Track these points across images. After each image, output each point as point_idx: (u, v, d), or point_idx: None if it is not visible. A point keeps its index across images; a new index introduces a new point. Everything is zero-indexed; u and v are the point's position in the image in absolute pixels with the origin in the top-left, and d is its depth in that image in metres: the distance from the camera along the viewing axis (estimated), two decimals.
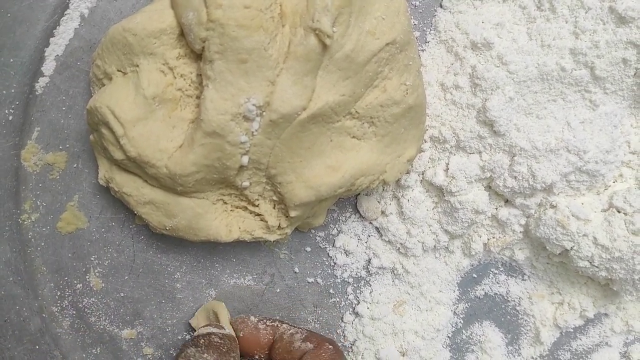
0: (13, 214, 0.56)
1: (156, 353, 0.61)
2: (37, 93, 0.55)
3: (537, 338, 0.68)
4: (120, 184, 0.52)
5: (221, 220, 0.54)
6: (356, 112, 0.52)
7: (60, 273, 0.57)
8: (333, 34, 0.48)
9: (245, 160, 0.50)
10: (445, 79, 0.59)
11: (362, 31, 0.50)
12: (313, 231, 0.62)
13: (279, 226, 0.55)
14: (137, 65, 0.49)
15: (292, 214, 0.53)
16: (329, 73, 0.50)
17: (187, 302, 0.60)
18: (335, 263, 0.63)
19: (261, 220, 0.56)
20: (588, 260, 0.59)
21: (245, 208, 0.55)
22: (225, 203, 0.54)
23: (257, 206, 0.55)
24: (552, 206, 0.59)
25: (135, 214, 0.56)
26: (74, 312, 0.58)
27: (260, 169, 0.51)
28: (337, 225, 0.63)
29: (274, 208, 0.55)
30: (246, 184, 0.52)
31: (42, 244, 0.57)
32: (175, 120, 0.50)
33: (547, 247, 0.61)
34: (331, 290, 0.64)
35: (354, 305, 0.65)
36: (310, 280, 0.63)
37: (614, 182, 0.61)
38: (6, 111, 0.55)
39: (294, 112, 0.49)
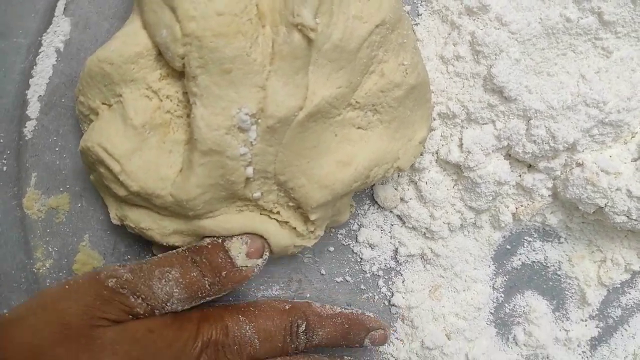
0: (26, 264, 0.55)
1: None
2: (26, 138, 0.54)
3: (583, 300, 0.65)
4: (136, 221, 0.50)
5: (262, 221, 0.52)
6: (356, 102, 0.50)
7: None
8: (317, 25, 0.45)
9: (249, 171, 0.47)
10: (445, 51, 0.56)
11: (348, 17, 0.47)
12: (333, 230, 0.60)
13: (309, 230, 0.53)
14: (120, 95, 0.47)
15: (312, 217, 0.51)
16: (320, 67, 0.47)
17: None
18: (361, 258, 0.61)
19: (291, 227, 0.53)
20: (625, 215, 0.56)
21: (269, 216, 0.53)
22: (251, 212, 0.52)
23: (277, 213, 0.52)
24: (579, 164, 0.56)
25: (153, 244, 0.55)
26: None
27: (269, 178, 0.49)
28: (357, 220, 0.60)
29: (295, 212, 0.52)
30: (257, 194, 0.49)
31: None
32: (170, 145, 0.48)
33: (580, 207, 0.58)
34: (362, 286, 0.62)
35: (388, 298, 0.62)
36: (339, 279, 0.61)
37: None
38: None
39: (290, 114, 0.46)
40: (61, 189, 0.55)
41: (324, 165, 0.50)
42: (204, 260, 0.49)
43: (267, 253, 0.52)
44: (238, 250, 0.50)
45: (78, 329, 0.44)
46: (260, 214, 0.51)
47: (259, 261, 0.51)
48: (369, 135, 0.51)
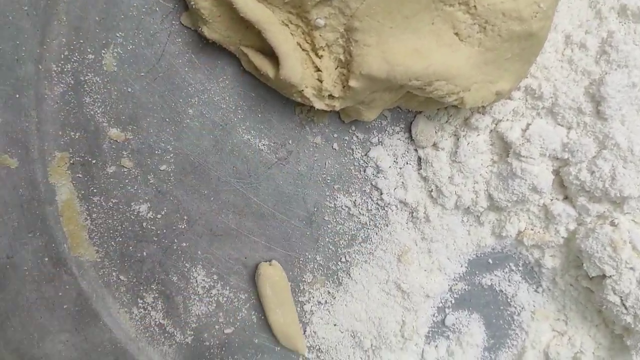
0: None
1: (134, 170, 0.53)
2: None
3: (519, 357, 0.60)
4: None
5: (289, 42, 0.46)
6: (474, 6, 0.44)
7: (78, 32, 0.49)
8: None
9: None
10: (574, 33, 0.50)
11: None
12: (353, 128, 0.54)
13: (331, 94, 0.48)
14: None
15: (352, 83, 0.45)
16: None
17: (190, 133, 0.53)
18: (363, 172, 0.56)
19: (317, 79, 0.48)
20: (621, 297, 0.52)
21: (307, 55, 0.47)
22: (292, 34, 0.46)
23: (319, 57, 0.47)
24: (613, 224, 0.52)
25: (186, 10, 0.49)
26: (72, 82, 0.51)
27: (345, 14, 0.43)
28: (380, 134, 0.55)
29: (335, 69, 0.47)
30: (321, 22, 0.44)
31: None
32: None
33: (584, 265, 0.53)
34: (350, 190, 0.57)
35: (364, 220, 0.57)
36: (327, 179, 0.56)
37: None
38: None
39: None
40: None
41: (402, 42, 0.44)
42: None
43: None
44: None
45: None
46: (300, 45, 0.46)
47: None
48: (460, 47, 0.46)
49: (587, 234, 0.53)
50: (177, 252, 0.56)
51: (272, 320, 0.58)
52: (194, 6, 0.46)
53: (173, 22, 0.50)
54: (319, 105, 0.48)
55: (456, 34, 0.46)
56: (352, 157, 0.55)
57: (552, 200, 0.54)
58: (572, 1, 0.52)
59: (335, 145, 0.55)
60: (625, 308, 0.52)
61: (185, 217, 0.55)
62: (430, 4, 0.44)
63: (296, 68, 0.46)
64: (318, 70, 0.47)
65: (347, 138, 0.55)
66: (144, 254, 0.55)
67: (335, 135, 0.54)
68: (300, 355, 0.60)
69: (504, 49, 0.46)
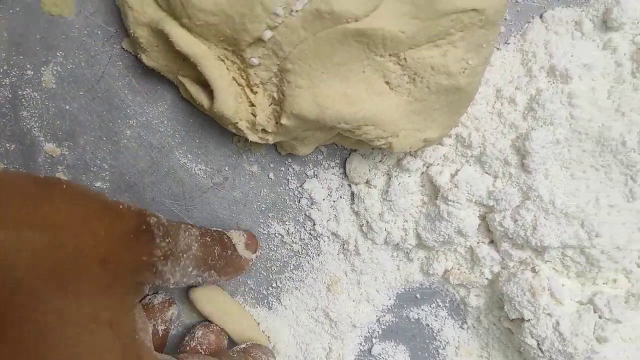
0: None
1: None
2: None
3: None
4: None
5: (224, 76, 0.47)
6: (404, 59, 0.46)
7: (18, 48, 0.50)
8: None
9: (267, 34, 0.43)
10: (505, 88, 0.52)
11: None
12: (290, 160, 0.56)
13: (264, 129, 0.49)
14: None
15: (284, 121, 0.46)
16: (401, 2, 0.43)
17: (127, 153, 0.53)
18: (297, 203, 0.57)
19: (251, 113, 0.49)
20: (537, 340, 0.54)
21: (242, 89, 0.48)
22: (227, 69, 0.47)
23: (254, 93, 0.48)
24: (534, 270, 0.53)
25: (127, 36, 0.50)
26: (9, 95, 0.51)
27: (278, 56, 0.45)
28: (316, 168, 0.56)
29: (269, 105, 0.48)
30: (255, 61, 0.45)
31: (17, 9, 0.49)
32: None
33: (505, 307, 0.55)
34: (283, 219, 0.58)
35: (299, 250, 0.58)
36: (262, 207, 0.57)
37: (604, 283, 0.55)
38: None
39: (345, 16, 0.42)
40: None
41: (332, 87, 0.45)
42: (214, 234, 0.51)
43: (258, 254, 0.56)
44: (237, 239, 0.54)
45: None
46: (235, 80, 0.47)
47: (253, 256, 0.55)
48: (390, 96, 0.47)
49: (509, 278, 0.54)
50: None
51: (229, 331, 0.58)
52: (132, 34, 0.47)
53: (114, 45, 0.51)
54: (252, 137, 0.49)
55: (387, 82, 0.47)
56: (287, 187, 0.56)
57: (478, 243, 0.56)
58: (505, 57, 0.53)
59: (271, 175, 0.56)
60: (542, 351, 0.54)
61: None
62: (361, 53, 0.45)
63: (229, 102, 0.47)
64: (253, 105, 0.48)
65: (283, 169, 0.56)
66: None
67: (272, 165, 0.55)
68: None
69: (432, 100, 0.47)
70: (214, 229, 0.53)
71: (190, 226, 0.48)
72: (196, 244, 0.47)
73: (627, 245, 0.52)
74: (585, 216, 0.51)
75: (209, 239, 0.49)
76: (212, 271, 0.49)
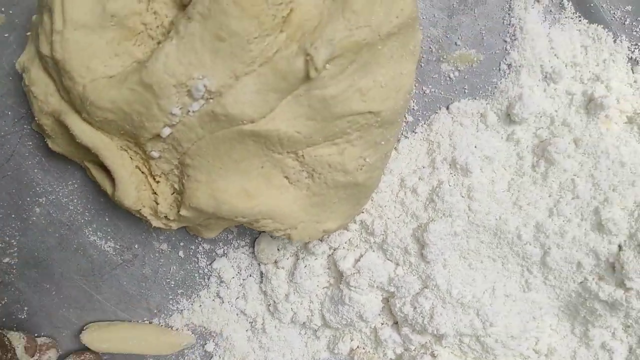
0: None
1: None
2: None
3: None
4: (33, 80, 0.46)
5: (126, 166, 0.48)
6: (302, 156, 0.47)
7: None
8: (322, 69, 0.43)
9: (166, 132, 0.44)
10: (408, 178, 0.54)
11: (354, 85, 0.45)
12: (200, 238, 0.57)
13: (167, 216, 0.50)
14: None
15: (183, 212, 0.48)
16: (297, 104, 0.45)
17: (36, 229, 0.54)
18: (207, 283, 0.58)
19: (155, 200, 0.50)
20: None
21: (146, 178, 0.49)
22: (131, 158, 0.48)
23: (157, 182, 0.49)
24: (433, 355, 0.55)
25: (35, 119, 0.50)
26: None
27: (177, 151, 0.46)
28: (226, 247, 0.57)
29: (171, 194, 0.49)
30: (155, 154, 0.46)
31: None
32: (121, 50, 0.44)
33: None
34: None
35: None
36: (171, 284, 0.57)
37: None
38: None
39: (240, 119, 0.43)
40: (3, 10, 0.50)
41: (231, 183, 0.47)
42: None
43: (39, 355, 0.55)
44: (17, 342, 0.53)
45: None
46: (139, 168, 0.48)
47: None
48: (289, 190, 0.49)
49: None
50: None
51: (141, 350, 0.58)
52: (37, 121, 0.48)
53: (25, 126, 0.51)
54: (156, 223, 0.50)
55: (286, 177, 0.48)
56: (197, 265, 0.57)
57: (382, 324, 0.57)
58: (412, 145, 0.55)
59: (181, 253, 0.57)
60: None
61: (25, 308, 0.56)
62: (259, 150, 0.46)
63: (130, 192, 0.48)
64: (156, 193, 0.49)
65: (193, 247, 0.57)
66: None
67: (182, 244, 0.56)
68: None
69: (331, 194, 0.49)
70: None
71: None
72: None
73: (521, 334, 0.54)
74: (480, 306, 0.53)
75: None
76: None
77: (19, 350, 0.53)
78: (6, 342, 0.52)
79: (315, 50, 0.42)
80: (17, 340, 0.53)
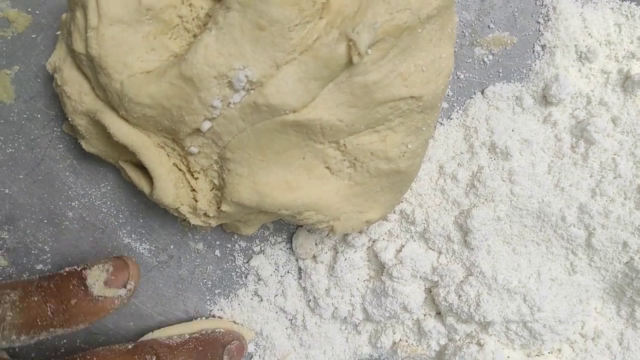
0: None
1: (8, 269, 0.52)
2: None
3: None
4: (66, 80, 0.45)
5: (164, 164, 0.47)
6: (344, 145, 0.46)
7: None
8: (365, 54, 0.42)
9: (206, 125, 0.43)
10: (447, 164, 0.53)
11: (395, 70, 0.44)
12: (236, 236, 0.55)
13: (206, 213, 0.49)
14: None
15: (224, 208, 0.46)
16: (339, 91, 0.44)
17: (69, 234, 0.53)
18: (244, 280, 0.56)
19: (193, 198, 0.49)
20: None
21: (183, 175, 0.48)
22: (168, 156, 0.47)
23: (195, 179, 0.48)
24: (479, 344, 0.54)
25: (66, 120, 0.49)
26: None
27: (217, 145, 0.45)
28: (262, 244, 0.56)
29: (210, 190, 0.48)
30: (194, 150, 0.45)
31: None
32: (158, 44, 0.43)
33: None
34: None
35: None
36: (208, 284, 0.56)
37: (549, 352, 0.55)
38: None
39: (282, 109, 0.42)
40: (29, 10, 0.49)
41: (272, 175, 0.46)
42: (51, 285, 0.44)
43: (133, 284, 0.47)
44: (95, 277, 0.46)
45: None
46: (176, 166, 0.47)
47: (122, 292, 0.47)
48: (330, 180, 0.48)
49: (455, 352, 0.55)
50: (51, 350, 0.55)
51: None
52: (71, 122, 0.47)
53: (55, 128, 0.50)
54: (194, 221, 0.49)
55: (327, 167, 0.47)
56: (234, 264, 0.56)
57: (425, 315, 0.56)
58: (449, 132, 0.54)
59: (217, 252, 0.55)
60: None
61: None
62: (300, 141, 0.45)
63: (169, 190, 0.47)
64: (194, 190, 0.48)
65: (229, 246, 0.55)
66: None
67: (218, 243, 0.55)
68: None
69: (373, 183, 0.48)
70: (64, 270, 0.47)
71: (7, 290, 0.43)
72: (12, 312, 0.42)
73: (569, 318, 0.53)
74: (527, 291, 0.52)
75: (36, 298, 0.43)
76: (51, 329, 0.44)
77: (97, 287, 0.46)
78: (71, 287, 0.45)
79: (357, 35, 0.41)
80: (97, 275, 0.46)
